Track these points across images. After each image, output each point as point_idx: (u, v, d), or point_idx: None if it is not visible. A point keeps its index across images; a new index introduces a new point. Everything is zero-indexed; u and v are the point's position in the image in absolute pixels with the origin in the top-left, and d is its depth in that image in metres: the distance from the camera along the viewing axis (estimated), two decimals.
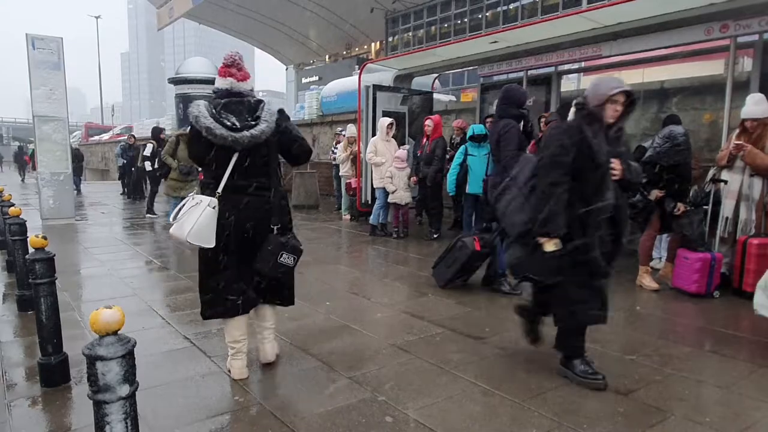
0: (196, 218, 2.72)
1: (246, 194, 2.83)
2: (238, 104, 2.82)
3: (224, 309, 2.90)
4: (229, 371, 3.02)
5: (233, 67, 2.88)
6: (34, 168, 26.33)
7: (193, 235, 2.71)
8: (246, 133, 2.73)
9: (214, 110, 2.76)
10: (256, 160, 2.83)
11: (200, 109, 2.74)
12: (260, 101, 2.90)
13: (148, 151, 10.64)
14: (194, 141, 2.85)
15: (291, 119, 3.05)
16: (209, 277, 2.89)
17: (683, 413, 2.59)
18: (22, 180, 22.76)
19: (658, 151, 4.59)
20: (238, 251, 2.86)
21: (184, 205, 2.83)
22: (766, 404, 2.70)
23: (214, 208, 2.75)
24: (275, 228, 2.88)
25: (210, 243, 2.76)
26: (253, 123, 2.77)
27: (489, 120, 7.19)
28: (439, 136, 7.28)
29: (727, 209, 4.66)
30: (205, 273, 2.92)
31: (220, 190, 2.80)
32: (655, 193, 4.72)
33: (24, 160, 24.53)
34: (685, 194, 4.79)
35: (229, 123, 2.73)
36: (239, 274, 2.88)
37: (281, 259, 2.83)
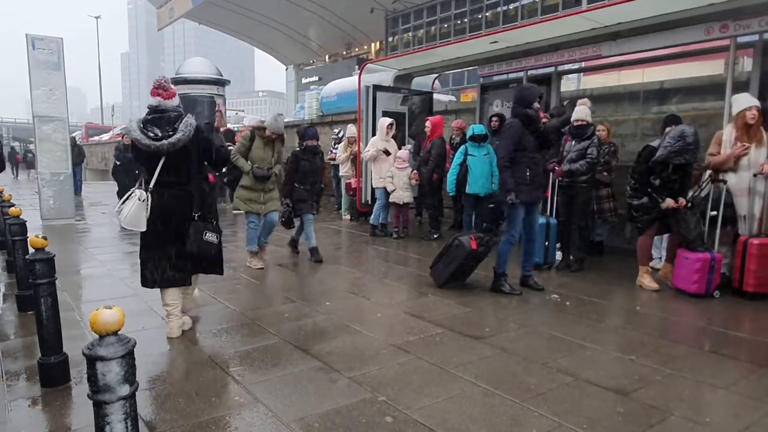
0: (129, 208, 3.42)
1: (170, 189, 3.54)
2: (160, 119, 3.49)
3: (152, 281, 3.60)
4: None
5: (160, 88, 3.53)
6: (27, 167, 27.11)
7: (126, 222, 3.45)
8: (165, 141, 3.41)
9: (141, 124, 3.46)
10: (179, 162, 3.52)
11: (132, 125, 3.48)
12: (180, 115, 3.54)
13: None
14: (132, 149, 3.66)
15: (217, 131, 3.82)
16: (144, 255, 3.62)
17: (683, 413, 2.59)
18: (15, 177, 25.29)
19: (670, 150, 4.57)
20: (164, 235, 3.55)
21: (128, 197, 3.47)
22: (766, 404, 2.70)
23: (142, 200, 3.43)
24: (196, 215, 3.57)
25: (141, 228, 3.47)
26: (171, 133, 3.43)
27: (495, 119, 7.17)
28: (438, 136, 7.27)
29: (742, 208, 4.64)
30: (141, 252, 3.64)
31: (151, 185, 3.49)
32: (669, 203, 4.69)
33: (16, 159, 27.15)
34: (685, 192, 4.79)
35: (152, 134, 3.43)
36: (166, 254, 3.57)
37: (206, 237, 3.56)
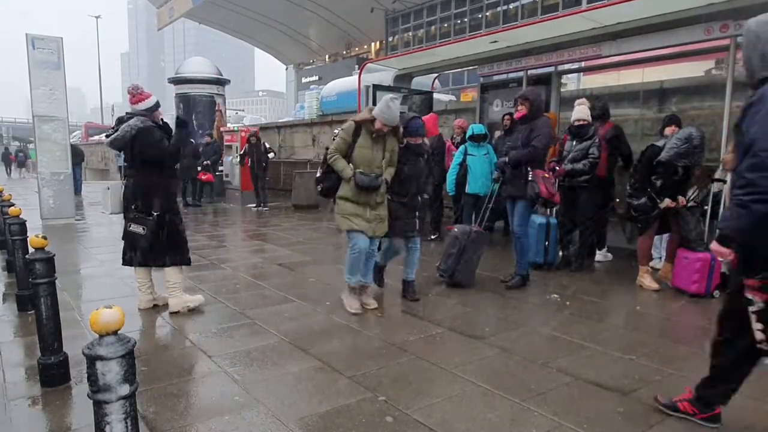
0: (110, 196, 4.28)
1: (129, 179, 4.08)
2: (120, 121, 4.03)
3: (123, 261, 4.19)
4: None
5: (130, 95, 4.04)
6: (19, 166, 28.81)
7: (111, 208, 4.31)
8: (107, 140, 4.05)
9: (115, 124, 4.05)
10: (133, 158, 4.01)
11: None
12: (131, 117, 3.97)
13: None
14: None
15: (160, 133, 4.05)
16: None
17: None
18: (9, 176, 27.13)
19: (676, 152, 4.57)
20: (125, 220, 4.09)
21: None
22: (766, 404, 2.70)
23: (109, 189, 4.35)
24: (132, 206, 3.98)
25: (118, 212, 4.28)
26: (112, 133, 3.99)
27: (507, 118, 7.02)
28: (433, 135, 7.22)
29: None
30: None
31: (123, 177, 4.12)
32: (666, 202, 4.69)
33: (9, 159, 29.61)
34: (685, 192, 4.79)
35: (110, 132, 4.05)
36: (125, 237, 4.10)
37: (130, 227, 3.99)
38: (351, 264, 4.15)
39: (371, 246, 4.20)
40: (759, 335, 2.14)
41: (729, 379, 2.42)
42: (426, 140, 4.53)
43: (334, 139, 4.44)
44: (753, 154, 1.99)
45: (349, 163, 4.05)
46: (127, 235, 4.05)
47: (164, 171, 4.08)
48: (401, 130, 4.20)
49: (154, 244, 4.00)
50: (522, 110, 4.75)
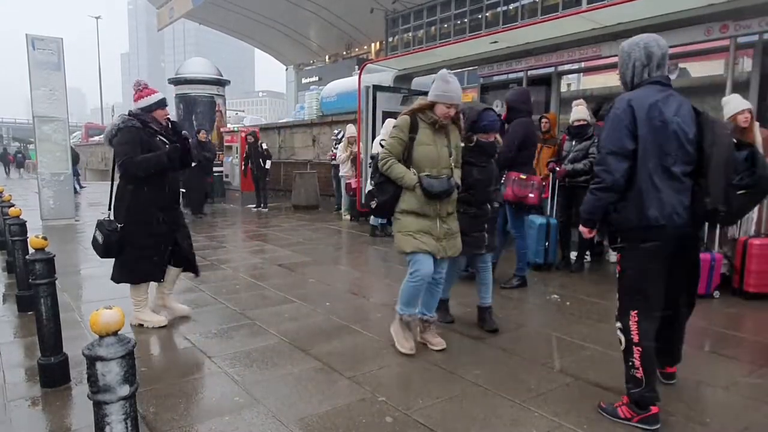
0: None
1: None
2: None
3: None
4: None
5: (133, 91, 3.79)
6: (17, 167, 29.64)
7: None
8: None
9: None
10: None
11: None
12: (120, 116, 3.70)
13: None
14: None
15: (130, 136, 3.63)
16: None
17: (683, 413, 2.59)
18: (7, 175, 27.95)
19: None
20: None
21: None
22: (766, 404, 2.70)
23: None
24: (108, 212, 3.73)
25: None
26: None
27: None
28: None
29: None
30: None
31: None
32: None
33: (8, 159, 30.51)
34: None
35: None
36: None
37: (95, 233, 3.68)
38: (410, 294, 3.30)
39: (438, 270, 3.32)
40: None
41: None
42: (499, 137, 3.81)
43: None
44: (600, 152, 2.56)
45: (408, 168, 3.21)
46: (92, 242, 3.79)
47: (145, 179, 3.64)
48: (465, 123, 3.40)
49: (107, 256, 3.73)
50: (503, 113, 4.81)
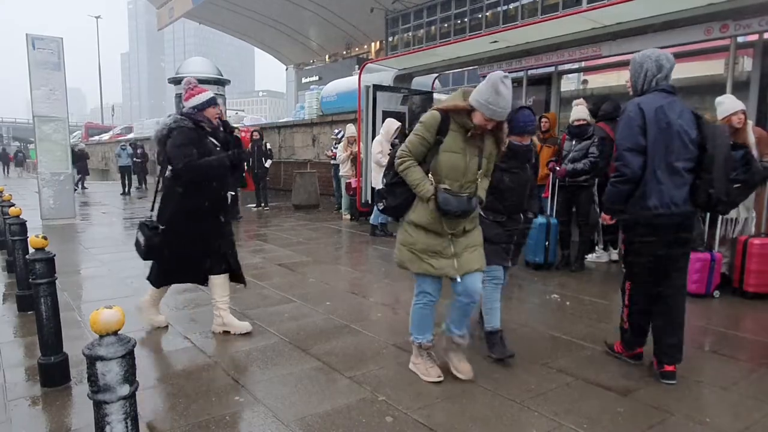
0: None
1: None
2: None
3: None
4: None
5: (183, 91, 3.61)
6: (17, 165, 30.01)
7: None
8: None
9: None
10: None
11: None
12: (170, 115, 3.56)
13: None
14: None
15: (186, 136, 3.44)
16: None
17: (683, 413, 2.59)
18: (6, 175, 28.33)
19: None
20: None
21: None
22: (766, 404, 2.70)
23: None
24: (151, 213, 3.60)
25: None
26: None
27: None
28: None
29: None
30: None
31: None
32: None
33: (8, 159, 30.96)
34: None
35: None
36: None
37: (137, 234, 3.56)
38: (419, 317, 3.01)
39: (465, 286, 2.84)
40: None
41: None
42: (535, 139, 3.43)
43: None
44: (618, 150, 2.89)
45: (428, 174, 2.76)
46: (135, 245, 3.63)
47: (198, 183, 3.45)
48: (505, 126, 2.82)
49: (149, 258, 3.62)
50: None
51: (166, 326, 3.85)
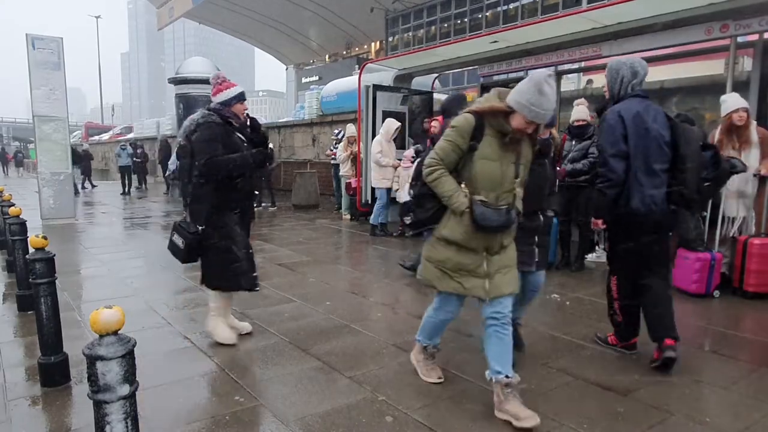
0: None
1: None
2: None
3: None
4: None
5: (212, 86, 3.49)
6: (16, 165, 30.15)
7: None
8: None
9: None
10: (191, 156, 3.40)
11: None
12: (200, 110, 3.44)
13: None
14: None
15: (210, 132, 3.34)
16: None
17: (683, 413, 2.59)
18: (6, 174, 28.74)
19: None
20: None
21: None
22: (766, 404, 2.70)
23: None
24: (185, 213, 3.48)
25: None
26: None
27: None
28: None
29: (729, 210, 4.64)
30: None
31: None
32: None
33: (6, 158, 31.24)
34: None
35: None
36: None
37: (173, 237, 3.42)
38: (431, 327, 2.91)
39: (497, 309, 2.61)
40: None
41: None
42: (555, 133, 3.29)
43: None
44: (601, 156, 3.14)
45: (461, 184, 2.51)
46: (168, 242, 3.48)
47: (228, 179, 3.36)
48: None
49: (190, 260, 3.48)
50: (440, 118, 4.48)
51: (250, 332, 3.69)
